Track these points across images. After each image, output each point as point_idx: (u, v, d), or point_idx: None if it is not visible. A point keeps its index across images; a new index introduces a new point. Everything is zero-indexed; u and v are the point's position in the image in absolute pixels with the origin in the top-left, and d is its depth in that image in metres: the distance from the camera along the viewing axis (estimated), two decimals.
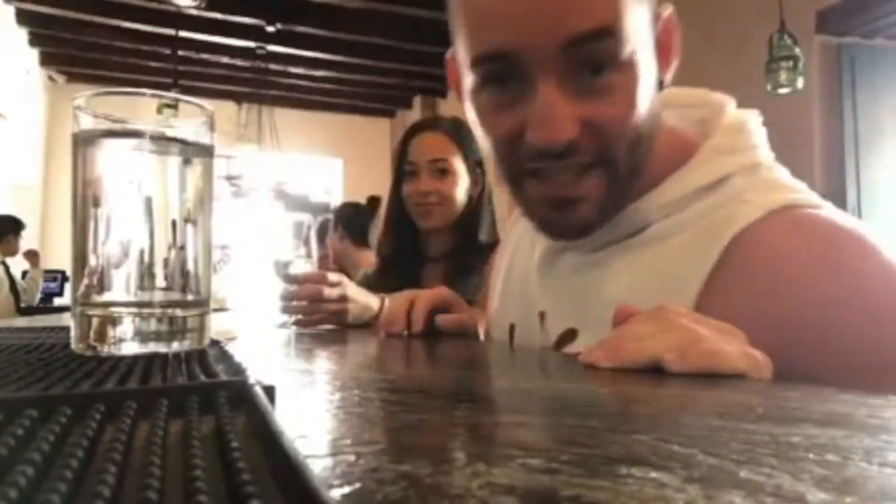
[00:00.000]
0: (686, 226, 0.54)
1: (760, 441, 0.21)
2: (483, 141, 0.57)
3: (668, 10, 0.56)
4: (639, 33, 0.51)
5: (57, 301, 5.17)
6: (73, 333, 0.42)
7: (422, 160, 1.35)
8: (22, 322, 1.36)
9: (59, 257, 5.74)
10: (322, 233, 2.53)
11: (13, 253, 4.37)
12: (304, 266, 1.03)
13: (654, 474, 0.17)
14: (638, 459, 0.19)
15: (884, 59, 3.03)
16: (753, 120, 0.61)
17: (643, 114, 0.52)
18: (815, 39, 2.98)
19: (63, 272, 5.35)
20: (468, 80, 0.55)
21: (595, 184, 0.53)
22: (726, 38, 3.38)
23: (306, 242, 1.03)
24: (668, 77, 0.57)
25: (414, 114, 7.17)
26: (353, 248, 2.41)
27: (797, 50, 2.73)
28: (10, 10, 5.04)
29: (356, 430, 0.23)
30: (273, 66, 5.79)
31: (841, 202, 2.94)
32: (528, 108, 0.51)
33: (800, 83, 2.73)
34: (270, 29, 5.01)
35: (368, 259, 2.34)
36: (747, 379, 0.42)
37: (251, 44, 5.33)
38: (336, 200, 6.94)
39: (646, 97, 0.52)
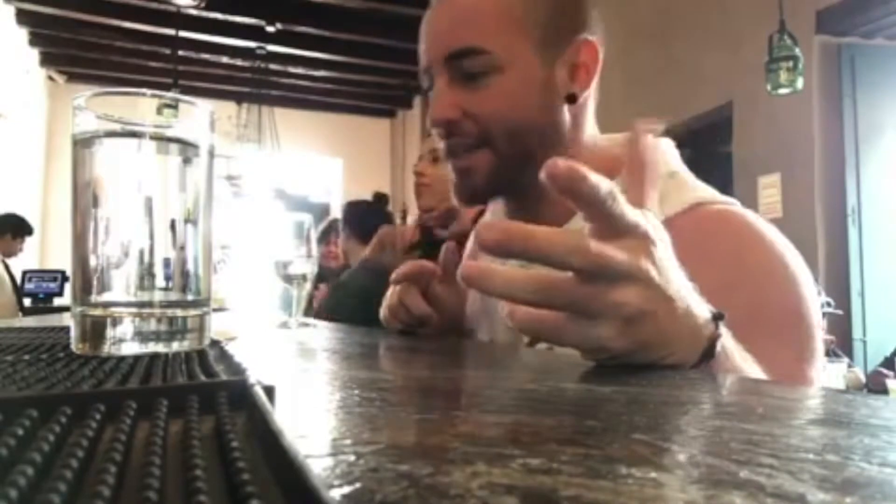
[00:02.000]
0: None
1: (760, 441, 0.21)
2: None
3: (593, 37, 0.70)
4: (514, 53, 0.67)
5: (57, 301, 5.17)
6: (72, 333, 0.42)
7: (423, 148, 1.75)
8: (22, 322, 1.36)
9: (60, 257, 5.74)
10: (333, 232, 2.53)
11: (11, 253, 4.31)
12: (304, 266, 1.03)
13: (654, 474, 0.17)
14: (638, 459, 0.19)
15: (884, 59, 3.03)
16: (666, 143, 0.73)
17: (519, 112, 0.68)
18: (815, 39, 2.98)
19: (63, 272, 5.35)
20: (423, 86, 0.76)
21: (482, 159, 0.69)
22: (726, 38, 3.39)
23: (307, 242, 1.03)
24: (584, 94, 0.71)
25: (414, 114, 7.17)
26: (359, 245, 2.40)
27: (797, 50, 2.73)
28: (10, 10, 5.04)
29: (356, 430, 0.23)
30: (273, 66, 5.80)
31: (841, 202, 2.95)
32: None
33: (800, 83, 2.73)
34: (270, 29, 5.01)
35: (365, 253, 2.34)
36: (746, 379, 0.43)
37: (251, 44, 5.34)
38: (336, 200, 6.95)
39: (522, 100, 0.68)
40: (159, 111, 0.46)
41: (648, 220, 0.42)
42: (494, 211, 0.82)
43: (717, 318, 0.46)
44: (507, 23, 0.67)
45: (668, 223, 0.57)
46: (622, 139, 0.74)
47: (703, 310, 0.45)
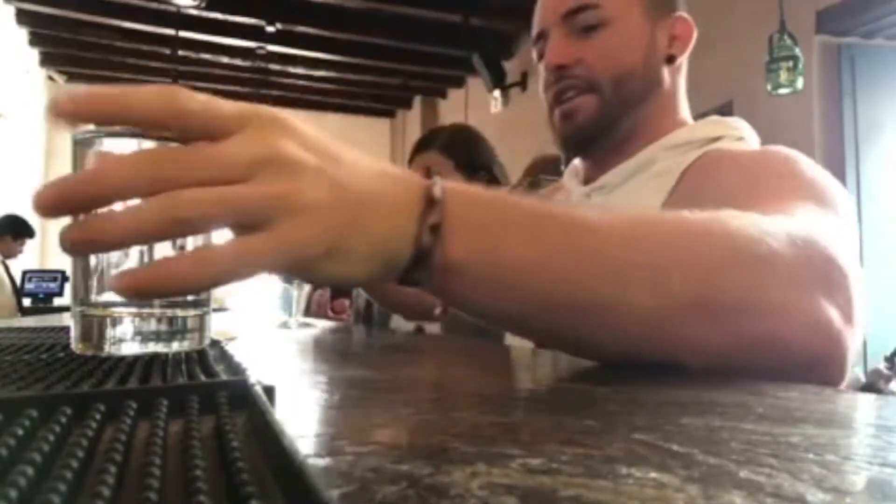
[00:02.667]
0: (684, 163, 0.71)
1: (760, 441, 0.21)
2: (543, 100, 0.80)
3: (685, 15, 0.80)
4: (625, 10, 0.75)
5: (57, 301, 5.17)
6: (72, 333, 0.42)
7: (418, 163, 1.47)
8: (22, 322, 1.36)
9: (59, 257, 5.73)
10: None
11: (11, 255, 4.29)
12: None
13: (654, 474, 0.17)
14: (638, 459, 0.19)
15: (884, 59, 3.02)
16: (744, 122, 0.79)
17: (627, 62, 0.75)
18: (815, 39, 2.98)
19: (63, 272, 5.35)
20: (533, 53, 0.84)
21: (587, 102, 0.75)
22: (726, 38, 3.39)
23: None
24: (681, 57, 0.79)
25: (414, 114, 7.17)
26: None
27: (797, 50, 2.73)
28: (10, 10, 5.03)
29: (356, 430, 0.23)
30: (273, 66, 5.79)
31: None
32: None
33: (800, 83, 2.73)
34: (270, 29, 5.00)
35: None
36: (745, 379, 0.42)
37: (251, 44, 5.33)
38: None
39: (630, 52, 0.75)
40: None
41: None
42: (569, 172, 0.88)
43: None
44: None
45: (682, 176, 0.69)
46: (713, 119, 0.80)
47: (405, 178, 0.36)
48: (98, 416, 0.20)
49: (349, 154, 0.35)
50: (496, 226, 0.36)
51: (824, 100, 2.98)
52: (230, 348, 0.45)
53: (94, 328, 0.41)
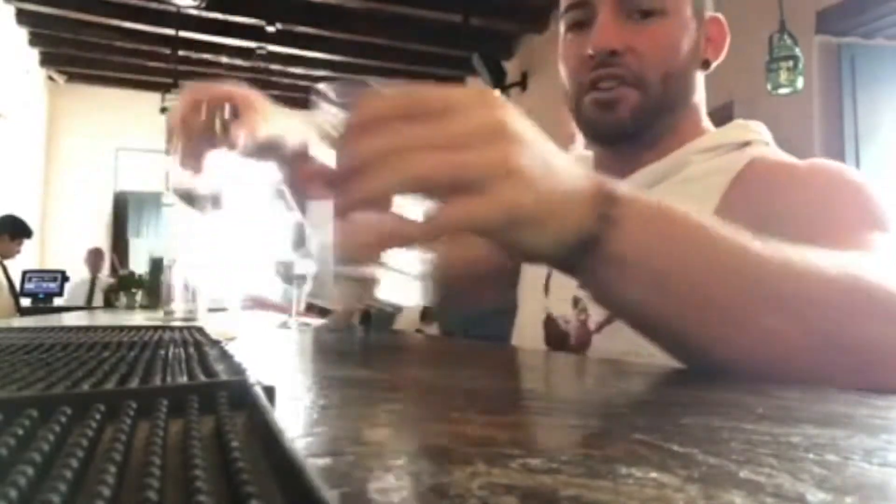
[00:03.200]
0: (716, 169, 0.69)
1: (760, 441, 0.21)
2: (563, 76, 0.75)
3: (718, 15, 0.75)
4: (682, 5, 0.70)
5: (57, 301, 5.17)
6: (323, 292, 0.41)
7: None
8: (22, 322, 1.36)
9: (60, 257, 5.74)
10: None
11: (8, 255, 4.29)
12: (304, 266, 1.03)
13: (654, 474, 0.17)
14: (638, 459, 0.19)
15: (884, 59, 3.02)
16: (763, 125, 0.78)
17: (677, 60, 0.70)
18: (815, 39, 2.98)
19: (63, 272, 5.35)
20: (560, 26, 0.75)
21: (631, 94, 0.69)
22: None
23: (307, 242, 1.03)
24: (714, 63, 0.75)
25: None
26: None
27: (797, 50, 2.73)
28: (10, 10, 5.03)
29: (356, 430, 0.23)
30: (273, 66, 5.79)
31: None
32: (592, 33, 0.69)
33: (800, 83, 2.73)
34: (270, 29, 5.00)
35: None
36: (745, 379, 0.42)
37: (251, 44, 5.33)
38: None
39: (681, 49, 0.70)
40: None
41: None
42: (580, 158, 0.82)
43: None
44: None
45: (730, 189, 0.65)
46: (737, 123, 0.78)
47: (592, 176, 0.40)
48: (98, 416, 0.20)
49: (548, 140, 0.39)
50: (662, 230, 0.40)
51: (824, 100, 2.99)
52: (230, 348, 0.45)
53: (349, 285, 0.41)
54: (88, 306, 4.84)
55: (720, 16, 0.75)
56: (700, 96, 0.76)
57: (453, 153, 0.34)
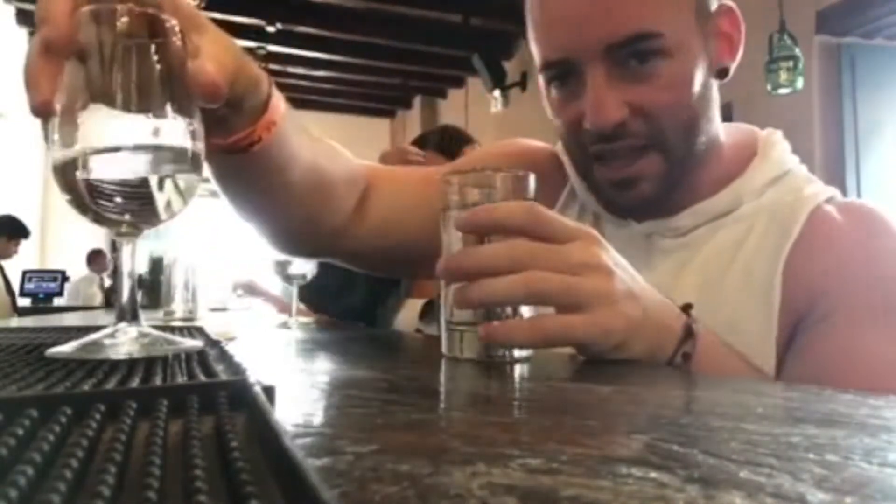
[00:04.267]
0: (763, 210, 0.61)
1: (760, 441, 0.21)
2: (559, 131, 0.65)
3: (726, 3, 0.63)
4: (681, 28, 0.57)
5: (57, 301, 5.16)
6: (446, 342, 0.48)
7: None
8: (22, 322, 1.36)
9: (59, 257, 5.73)
10: None
11: (5, 255, 4.27)
12: (304, 266, 1.03)
13: (654, 474, 0.17)
14: (638, 459, 0.19)
15: (884, 59, 3.02)
16: (777, 135, 0.69)
17: (693, 99, 0.59)
18: (815, 39, 2.98)
19: (63, 272, 5.35)
20: (540, 79, 0.64)
21: (651, 164, 0.59)
22: None
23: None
24: (733, 66, 0.63)
25: (414, 114, 7.17)
26: None
27: (797, 50, 2.73)
28: (10, 10, 5.03)
29: (356, 430, 0.23)
30: (273, 66, 5.78)
31: None
32: (583, 100, 0.58)
33: (800, 83, 2.73)
34: (270, 29, 5.01)
35: None
36: (745, 379, 0.44)
37: (251, 44, 5.33)
38: None
39: (694, 84, 0.58)
40: None
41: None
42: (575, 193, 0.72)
43: (686, 309, 0.48)
44: None
45: (812, 216, 0.59)
46: (732, 127, 0.70)
47: (670, 306, 0.48)
48: (98, 416, 0.20)
49: (638, 276, 0.47)
50: (719, 360, 0.49)
51: (824, 100, 2.98)
52: (230, 348, 0.45)
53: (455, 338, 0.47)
54: (102, 306, 4.84)
55: (729, 3, 0.63)
56: (716, 110, 0.64)
57: (570, 277, 0.42)
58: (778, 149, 0.65)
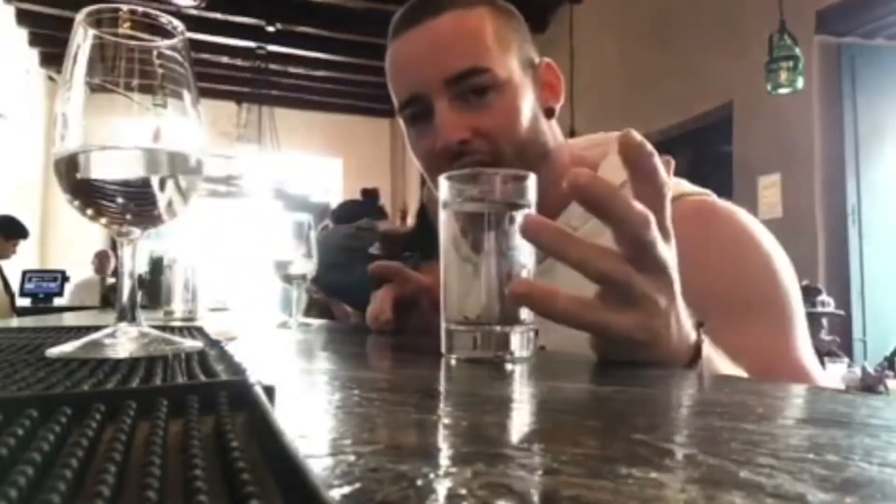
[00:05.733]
0: (604, 228, 0.63)
1: (760, 441, 0.21)
2: (419, 167, 0.77)
3: (546, 59, 0.77)
4: (507, 68, 0.70)
5: (57, 301, 5.16)
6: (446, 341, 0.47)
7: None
8: (22, 322, 1.36)
9: (59, 257, 5.73)
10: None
11: (3, 255, 4.26)
12: (304, 266, 1.03)
13: (654, 474, 0.17)
14: (638, 459, 0.19)
15: (884, 59, 3.03)
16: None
17: (523, 126, 0.71)
18: (815, 39, 2.98)
19: (63, 272, 5.35)
20: (401, 123, 0.77)
21: None
22: (726, 38, 3.38)
23: (306, 242, 1.03)
24: (558, 107, 0.77)
25: None
26: None
27: (797, 50, 2.73)
28: (10, 10, 5.04)
29: (356, 430, 0.23)
30: (273, 66, 5.79)
31: (841, 202, 2.95)
32: (433, 128, 0.70)
33: (800, 83, 2.73)
34: (270, 29, 5.01)
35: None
36: (745, 379, 0.44)
37: (251, 44, 5.33)
38: (336, 200, 6.94)
39: (523, 114, 0.71)
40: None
41: (670, 244, 0.44)
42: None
43: (699, 325, 0.49)
44: (500, 43, 0.71)
45: None
46: (593, 141, 0.82)
47: (687, 316, 0.48)
48: (98, 416, 0.20)
49: (678, 303, 0.46)
50: (716, 367, 0.50)
51: (824, 100, 2.99)
52: (230, 348, 0.45)
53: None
54: (99, 306, 4.85)
55: (548, 60, 0.77)
56: (558, 139, 0.77)
57: (634, 273, 0.41)
58: (615, 157, 0.74)
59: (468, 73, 0.68)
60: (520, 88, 0.71)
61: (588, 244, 0.42)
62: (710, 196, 0.72)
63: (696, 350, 0.48)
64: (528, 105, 0.72)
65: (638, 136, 0.42)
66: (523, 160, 0.69)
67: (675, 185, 0.69)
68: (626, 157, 0.43)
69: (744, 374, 0.53)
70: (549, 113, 0.75)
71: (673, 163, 0.45)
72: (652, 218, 0.41)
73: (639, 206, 0.41)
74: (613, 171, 0.68)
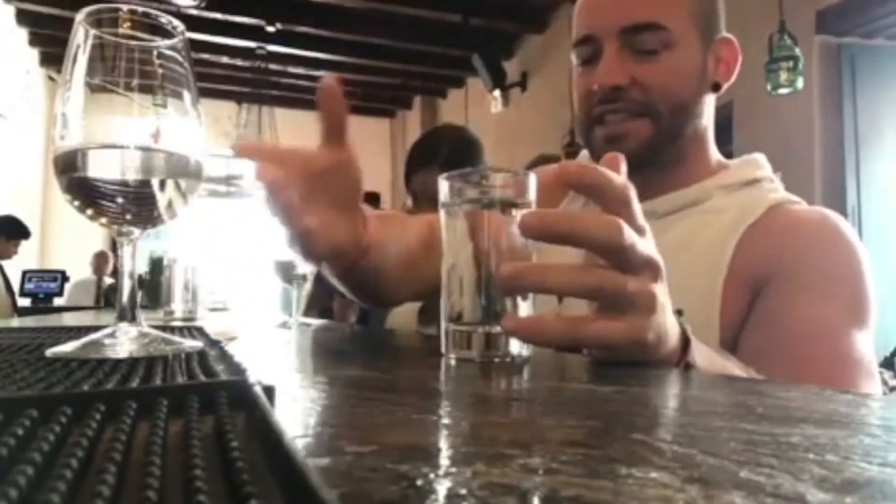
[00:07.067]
0: (732, 205, 0.72)
1: (760, 441, 0.21)
2: (575, 105, 0.78)
3: (729, 36, 0.77)
4: (685, 32, 0.71)
5: (57, 301, 5.16)
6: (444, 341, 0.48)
7: (423, 199, 1.58)
8: (22, 322, 1.36)
9: (60, 257, 5.73)
10: None
11: (5, 255, 4.26)
12: (304, 266, 1.03)
13: (654, 474, 0.17)
14: (638, 459, 0.19)
15: (884, 59, 3.02)
16: (759, 155, 0.82)
17: (686, 88, 0.72)
18: (815, 39, 2.98)
19: (63, 272, 5.35)
20: (573, 58, 0.78)
21: (641, 127, 0.72)
22: None
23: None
24: (725, 85, 0.77)
25: (414, 114, 7.17)
26: None
27: (797, 50, 2.73)
28: (10, 10, 5.04)
29: (356, 430, 0.23)
30: (273, 66, 5.79)
31: (841, 202, 2.94)
32: (597, 69, 0.72)
33: (800, 83, 2.73)
34: (270, 29, 5.01)
35: None
36: (745, 379, 0.44)
37: (251, 44, 5.33)
38: None
39: (689, 77, 0.72)
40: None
41: (646, 237, 0.44)
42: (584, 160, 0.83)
43: (677, 312, 0.49)
44: (682, 5, 0.72)
45: (770, 210, 0.71)
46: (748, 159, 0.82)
47: (676, 325, 0.49)
48: (98, 416, 0.20)
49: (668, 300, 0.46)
50: (711, 363, 0.51)
51: (824, 100, 2.98)
52: (230, 348, 0.45)
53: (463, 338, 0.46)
54: (97, 306, 4.85)
55: (731, 36, 0.76)
56: (709, 120, 0.77)
57: (624, 277, 0.41)
58: (757, 163, 0.78)
59: (644, 27, 0.70)
60: (692, 54, 0.72)
61: (568, 267, 0.41)
62: (802, 204, 0.75)
63: (684, 338, 0.48)
64: (695, 72, 0.73)
65: (571, 164, 0.43)
66: (674, 123, 0.72)
67: (771, 192, 0.74)
68: (572, 188, 0.44)
69: (730, 367, 0.53)
70: (715, 87, 0.76)
71: (622, 157, 0.44)
72: (622, 224, 0.40)
73: (606, 217, 0.41)
74: (749, 169, 0.77)
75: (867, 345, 0.64)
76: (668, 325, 0.45)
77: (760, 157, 0.80)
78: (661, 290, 0.44)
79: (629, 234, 0.40)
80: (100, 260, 5.35)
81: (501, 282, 0.43)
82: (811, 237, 0.68)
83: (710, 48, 0.74)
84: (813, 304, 0.63)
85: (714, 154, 0.79)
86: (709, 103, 0.76)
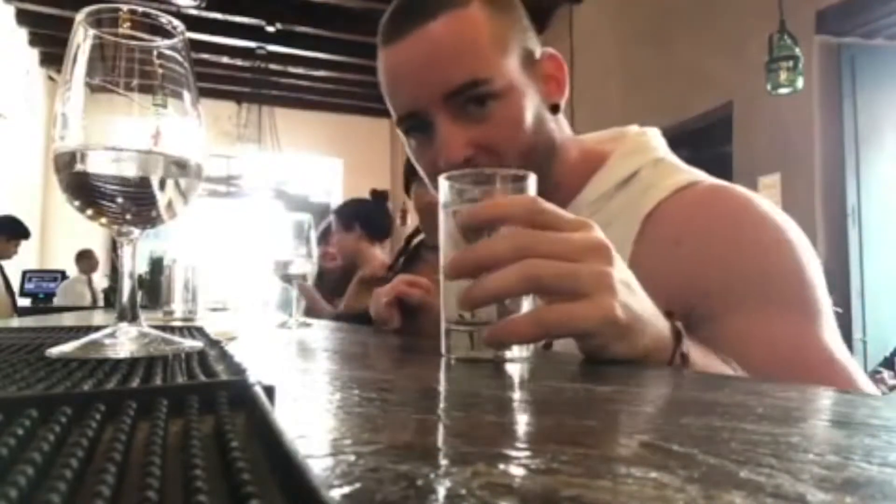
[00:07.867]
0: (611, 220, 0.66)
1: (760, 441, 0.21)
2: (423, 175, 0.76)
3: (549, 50, 0.74)
4: (508, 74, 0.68)
5: (56, 301, 5.16)
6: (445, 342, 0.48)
7: (421, 207, 1.62)
8: (22, 322, 1.36)
9: (60, 257, 5.73)
10: (325, 233, 2.50)
11: (5, 255, 4.26)
12: (304, 266, 1.03)
13: (654, 474, 0.17)
14: (638, 459, 0.19)
15: (884, 59, 3.02)
16: (652, 131, 0.77)
17: (528, 132, 0.69)
18: (815, 39, 2.98)
19: (63, 272, 5.35)
20: (400, 134, 0.75)
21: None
22: (726, 38, 3.38)
23: (306, 242, 1.03)
24: (562, 101, 0.74)
25: None
26: (372, 246, 2.35)
27: (797, 50, 2.73)
28: (10, 10, 5.04)
29: (356, 430, 0.23)
30: (273, 66, 5.79)
31: (841, 202, 2.95)
32: (436, 144, 0.69)
33: (800, 83, 2.73)
34: (270, 29, 5.01)
35: (378, 256, 2.32)
36: (745, 379, 0.44)
37: (251, 44, 5.33)
38: (336, 200, 6.94)
39: (528, 117, 0.69)
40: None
41: (591, 229, 0.46)
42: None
43: (668, 314, 0.49)
44: (497, 45, 0.68)
45: (658, 209, 0.66)
46: (607, 136, 0.80)
47: (660, 315, 0.49)
48: (98, 416, 0.20)
49: (642, 294, 0.48)
50: (705, 357, 0.51)
51: (824, 100, 2.98)
52: (230, 348, 0.45)
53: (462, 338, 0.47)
54: (93, 306, 4.85)
55: (550, 51, 0.74)
56: (565, 132, 0.75)
57: (569, 263, 0.42)
58: (626, 144, 0.74)
59: (468, 86, 0.66)
60: (521, 91, 0.69)
61: (504, 269, 0.42)
62: (723, 183, 0.69)
63: (676, 335, 0.48)
64: (531, 107, 0.69)
65: (465, 212, 0.45)
66: (529, 163, 0.66)
67: (680, 173, 0.69)
68: (482, 226, 0.45)
69: (728, 368, 0.53)
70: (553, 109, 0.73)
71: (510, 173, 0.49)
72: (534, 195, 0.45)
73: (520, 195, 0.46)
74: (623, 164, 0.72)
75: (831, 331, 0.60)
76: (643, 309, 0.45)
77: (640, 135, 0.76)
78: (617, 272, 0.44)
79: (542, 200, 0.44)
80: (84, 259, 5.34)
81: (459, 307, 0.45)
82: (718, 240, 0.62)
83: (534, 73, 0.71)
84: (763, 321, 0.58)
85: (581, 148, 0.76)
86: (555, 121, 0.73)
